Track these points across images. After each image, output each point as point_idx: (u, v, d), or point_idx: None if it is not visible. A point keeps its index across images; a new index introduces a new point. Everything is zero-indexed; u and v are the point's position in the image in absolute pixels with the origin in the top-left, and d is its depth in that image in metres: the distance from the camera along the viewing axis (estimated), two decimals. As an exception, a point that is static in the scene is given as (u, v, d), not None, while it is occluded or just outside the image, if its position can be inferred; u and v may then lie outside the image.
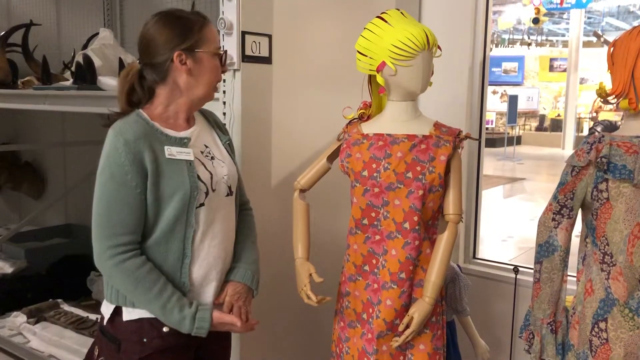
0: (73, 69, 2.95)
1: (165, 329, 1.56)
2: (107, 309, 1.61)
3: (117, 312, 1.58)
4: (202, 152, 1.64)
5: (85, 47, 3.40)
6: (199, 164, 1.60)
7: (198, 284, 1.61)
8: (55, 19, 4.20)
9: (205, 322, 1.53)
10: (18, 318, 3.17)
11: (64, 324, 3.06)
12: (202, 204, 1.58)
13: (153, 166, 1.51)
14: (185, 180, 1.54)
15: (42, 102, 2.89)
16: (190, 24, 1.57)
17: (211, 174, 1.62)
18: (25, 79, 3.32)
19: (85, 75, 2.77)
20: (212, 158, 1.66)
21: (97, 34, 3.38)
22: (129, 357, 1.56)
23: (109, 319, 1.59)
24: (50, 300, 3.33)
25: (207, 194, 1.59)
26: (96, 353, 1.65)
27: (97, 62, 2.90)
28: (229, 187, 1.68)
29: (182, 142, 1.58)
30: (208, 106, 2.10)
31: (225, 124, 1.85)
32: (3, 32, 3.46)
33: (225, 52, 1.66)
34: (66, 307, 3.28)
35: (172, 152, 1.54)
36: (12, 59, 3.40)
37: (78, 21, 4.04)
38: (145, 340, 1.56)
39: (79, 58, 2.91)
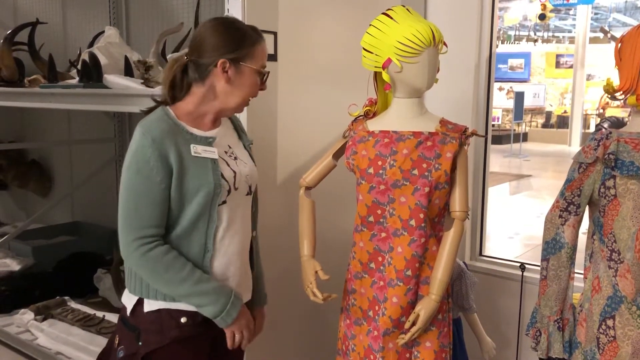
0: (79, 67, 2.96)
1: (183, 320, 1.60)
2: (129, 300, 1.66)
3: (139, 302, 1.62)
4: (225, 152, 1.68)
5: (91, 45, 3.40)
6: (222, 163, 1.64)
7: (218, 279, 1.64)
8: (61, 18, 4.21)
9: (235, 310, 1.61)
10: (25, 315, 3.19)
11: (71, 321, 3.07)
12: (224, 202, 1.62)
13: (178, 163, 1.55)
14: (209, 177, 1.58)
15: (48, 101, 2.90)
16: (244, 37, 1.62)
17: (235, 172, 1.66)
18: (32, 77, 3.34)
19: (91, 73, 2.77)
20: (236, 158, 1.70)
21: (102, 32, 3.38)
22: (147, 347, 1.60)
23: (131, 310, 1.64)
24: (58, 297, 3.34)
25: (229, 191, 1.63)
26: (117, 342, 1.69)
27: (103, 60, 2.90)
28: (250, 187, 1.72)
29: (208, 141, 1.62)
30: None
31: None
32: (9, 31, 3.47)
33: (268, 73, 1.68)
34: (73, 305, 3.29)
35: (197, 150, 1.59)
36: (19, 58, 3.41)
37: (84, 19, 4.05)
38: (163, 330, 1.60)
39: (85, 56, 2.91)
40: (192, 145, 1.58)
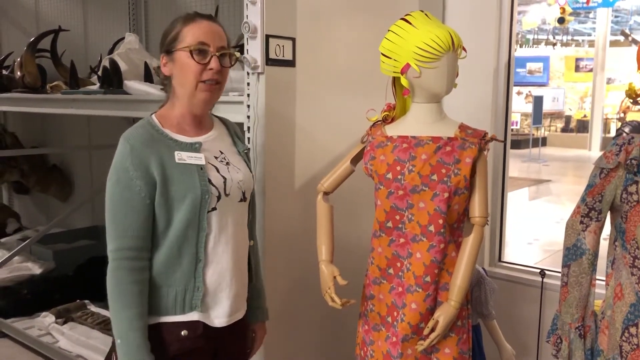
0: (100, 73, 3.00)
1: (183, 333, 1.55)
2: None
3: None
4: (216, 158, 1.64)
5: (111, 51, 3.45)
6: (211, 169, 1.60)
7: (212, 290, 1.60)
8: (82, 25, 4.28)
9: None
10: (47, 318, 3.23)
11: (91, 325, 3.11)
12: (214, 208, 1.58)
13: (161, 172, 1.52)
14: (195, 184, 1.54)
15: (69, 107, 2.95)
16: (173, 25, 1.60)
17: (225, 178, 1.62)
18: (54, 83, 3.39)
19: (112, 79, 2.81)
20: (228, 163, 1.66)
21: (122, 38, 3.43)
22: None
23: None
24: (78, 301, 3.39)
25: (219, 198, 1.59)
26: (114, 358, 1.63)
27: (123, 66, 2.94)
28: (243, 193, 1.67)
29: (193, 147, 1.59)
30: (232, 108, 2.13)
31: (244, 134, 1.86)
32: (33, 38, 3.53)
33: (207, 47, 1.57)
34: (93, 308, 3.33)
35: (182, 157, 1.55)
36: (41, 64, 3.47)
37: (104, 26, 4.11)
38: (163, 346, 1.55)
39: (106, 62, 2.96)
40: (176, 152, 1.55)
